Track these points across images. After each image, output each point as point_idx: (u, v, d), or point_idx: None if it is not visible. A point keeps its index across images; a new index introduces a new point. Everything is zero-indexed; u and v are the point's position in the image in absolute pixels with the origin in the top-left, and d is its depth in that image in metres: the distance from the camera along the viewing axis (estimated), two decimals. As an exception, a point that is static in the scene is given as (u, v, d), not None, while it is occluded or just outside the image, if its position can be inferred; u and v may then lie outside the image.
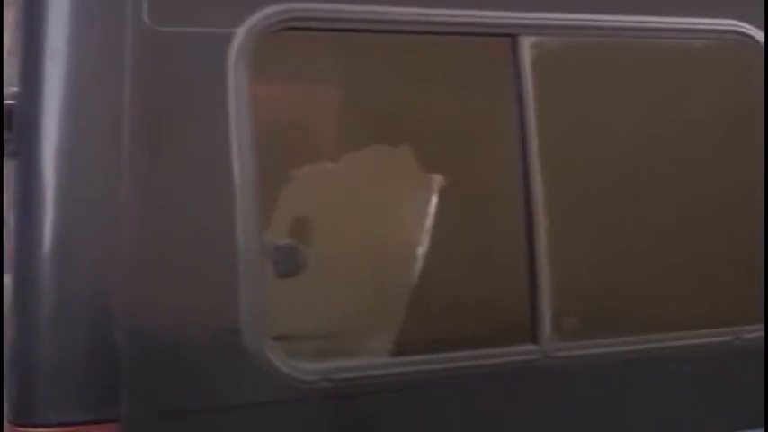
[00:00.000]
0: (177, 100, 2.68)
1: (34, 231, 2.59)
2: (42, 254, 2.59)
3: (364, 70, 2.92)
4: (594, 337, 3.10)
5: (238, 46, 2.72)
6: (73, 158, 2.61)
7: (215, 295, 2.70)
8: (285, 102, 2.84)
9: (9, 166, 2.66)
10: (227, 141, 2.70)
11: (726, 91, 3.38)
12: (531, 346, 3.02)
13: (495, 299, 3.04)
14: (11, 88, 2.63)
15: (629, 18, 3.20)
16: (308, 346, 2.81)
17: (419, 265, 2.95)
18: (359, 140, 2.90)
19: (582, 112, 3.13)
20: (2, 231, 3.27)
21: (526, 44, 3.04)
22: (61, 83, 2.61)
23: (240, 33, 2.73)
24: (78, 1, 2.63)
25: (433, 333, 2.96)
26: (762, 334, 3.31)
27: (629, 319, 3.16)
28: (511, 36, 3.04)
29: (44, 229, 2.59)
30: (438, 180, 2.97)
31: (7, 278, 2.69)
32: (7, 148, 2.62)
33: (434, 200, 2.97)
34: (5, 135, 2.62)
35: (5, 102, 2.61)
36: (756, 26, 3.38)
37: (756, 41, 3.37)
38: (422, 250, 2.96)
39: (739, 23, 3.36)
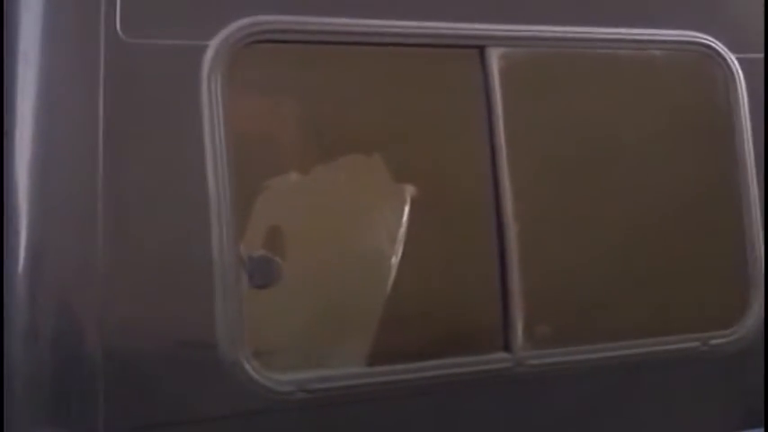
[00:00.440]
0: (151, 112, 2.68)
1: (6, 242, 2.57)
2: (14, 265, 2.57)
3: (336, 82, 2.93)
4: (567, 344, 3.13)
5: (211, 58, 2.73)
6: (45, 169, 2.60)
7: (190, 307, 2.69)
8: (258, 114, 2.85)
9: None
10: (201, 154, 2.71)
11: (688, 100, 3.43)
12: (504, 355, 3.04)
13: (467, 308, 3.06)
14: (-17, 100, 2.62)
15: (593, 30, 3.25)
16: (284, 356, 2.80)
17: (392, 274, 2.96)
18: (331, 151, 2.91)
19: (549, 121, 3.17)
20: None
21: (494, 55, 3.07)
22: (34, 93, 2.60)
23: (213, 46, 2.74)
24: (51, 11, 2.63)
25: (407, 343, 2.97)
26: (728, 340, 3.37)
27: (601, 327, 3.19)
28: (479, 47, 3.07)
29: (17, 240, 2.57)
30: (409, 190, 3.00)
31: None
32: (-21, 158, 2.61)
33: (406, 210, 2.99)
34: (-23, 146, 2.60)
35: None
36: (716, 37, 3.44)
37: (716, 52, 3.43)
38: (394, 260, 2.97)
39: (699, 35, 3.42)
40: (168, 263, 2.68)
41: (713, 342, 3.34)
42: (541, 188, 3.13)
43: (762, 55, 3.48)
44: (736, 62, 3.44)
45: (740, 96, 3.44)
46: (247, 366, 2.71)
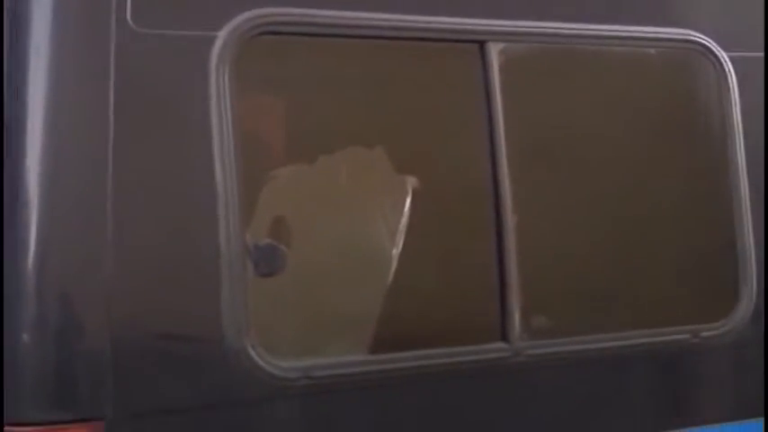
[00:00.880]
0: (160, 102, 2.71)
1: (19, 232, 2.60)
2: (27, 253, 2.60)
3: (340, 74, 2.98)
4: (562, 335, 3.18)
5: (220, 49, 2.77)
6: (57, 159, 2.63)
7: (197, 295, 2.73)
8: (265, 104, 2.89)
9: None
10: (209, 143, 2.74)
11: (681, 97, 3.52)
12: (502, 345, 3.09)
13: (465, 298, 3.11)
14: (-6, 88, 2.65)
15: (590, 26, 3.31)
16: (289, 344, 2.85)
17: (393, 264, 3.02)
18: (335, 142, 2.95)
19: (547, 115, 3.23)
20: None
21: (494, 50, 3.13)
22: (45, 84, 2.63)
23: (221, 37, 2.77)
24: (62, 3, 2.66)
25: (408, 331, 3.02)
26: (718, 332, 3.44)
27: (596, 319, 3.25)
28: (479, 42, 3.12)
29: (29, 230, 2.60)
30: (411, 181, 3.04)
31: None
32: (-7, 147, 2.64)
33: (407, 202, 3.04)
34: (-13, 135, 2.63)
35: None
36: (708, 35, 3.51)
37: (709, 50, 3.50)
38: (396, 250, 3.02)
39: (693, 32, 3.49)
40: (175, 251, 2.71)
41: (704, 334, 3.41)
42: (539, 181, 3.18)
43: (753, 53, 3.55)
44: (728, 60, 3.51)
45: (732, 94, 3.50)
46: (252, 353, 2.75)
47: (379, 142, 3.00)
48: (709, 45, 3.50)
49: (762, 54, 3.55)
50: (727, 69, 3.50)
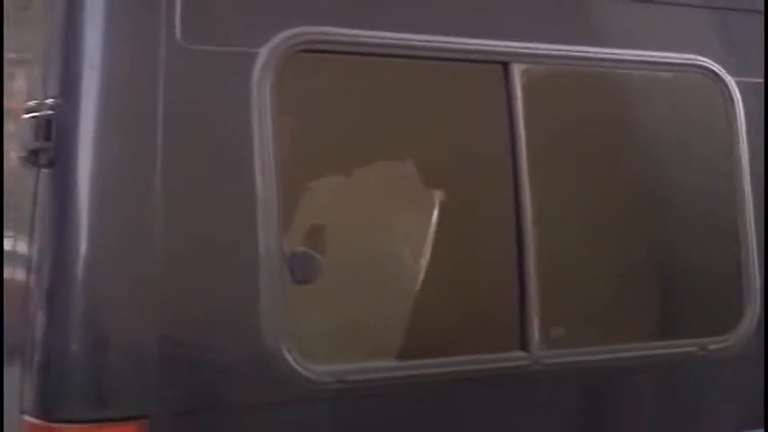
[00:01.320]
0: (205, 116, 2.83)
1: (70, 236, 2.71)
2: (77, 258, 2.71)
3: (372, 90, 3.11)
4: (578, 345, 3.32)
5: (261, 65, 2.89)
6: (108, 168, 2.75)
7: (238, 300, 2.85)
8: (302, 118, 3.00)
9: (41, 175, 2.78)
10: (250, 155, 2.86)
11: (690, 119, 3.66)
12: (522, 353, 3.22)
13: (488, 309, 3.24)
14: (49, 100, 2.76)
15: (605, 50, 3.45)
16: (323, 349, 2.96)
17: (421, 275, 3.14)
18: (368, 156, 3.09)
19: (565, 131, 3.37)
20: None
21: (517, 71, 3.26)
22: (98, 96, 2.75)
23: (263, 53, 2.90)
24: (115, 18, 2.78)
25: (435, 339, 3.14)
26: (723, 345, 3.58)
27: (610, 331, 3.38)
28: (503, 63, 3.26)
29: (80, 235, 2.71)
30: (438, 195, 3.18)
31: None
32: (45, 157, 2.75)
33: (434, 214, 3.17)
34: (42, 144, 2.74)
35: (45, 112, 2.74)
36: (716, 61, 3.66)
37: (716, 74, 3.65)
38: (424, 261, 3.15)
39: (701, 58, 3.64)
40: (218, 259, 2.83)
41: (711, 347, 3.55)
42: (559, 196, 3.32)
43: (757, 79, 3.71)
44: (734, 84, 3.66)
45: (738, 116, 3.66)
46: (289, 358, 2.87)
47: (409, 156, 3.14)
48: (716, 70, 3.65)
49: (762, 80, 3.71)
50: (733, 92, 3.66)
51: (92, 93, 2.75)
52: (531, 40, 3.30)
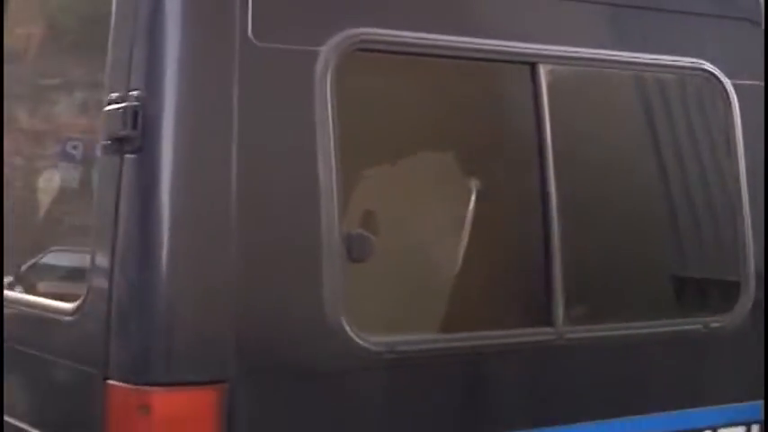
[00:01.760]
0: (274, 109, 3.10)
1: (154, 216, 2.97)
2: (161, 236, 2.97)
3: (417, 87, 3.41)
4: (598, 322, 3.63)
5: (322, 62, 3.17)
6: (190, 154, 3.01)
7: (303, 278, 3.12)
8: (357, 112, 3.27)
9: (126, 161, 3.03)
10: (313, 146, 3.13)
11: (692, 118, 4.00)
12: (548, 329, 3.53)
13: (520, 290, 3.56)
14: (134, 92, 3.01)
15: (621, 53, 3.77)
16: (376, 322, 3.24)
17: (461, 256, 3.45)
18: (415, 147, 3.39)
19: (584, 126, 3.69)
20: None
21: (543, 71, 3.57)
22: (180, 89, 3.01)
23: (324, 51, 3.18)
24: (193, 18, 3.04)
25: (473, 314, 3.44)
26: (723, 324, 3.91)
27: (625, 310, 3.71)
28: (531, 63, 3.57)
29: (164, 215, 2.98)
30: (475, 184, 3.48)
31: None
32: (132, 145, 3.00)
33: (472, 201, 3.47)
34: (129, 132, 2.99)
35: (132, 103, 3.00)
36: (715, 64, 4.00)
37: (715, 77, 3.99)
38: (463, 244, 3.45)
39: (701, 62, 3.97)
40: (286, 240, 3.10)
41: (712, 325, 3.88)
42: (581, 186, 3.63)
43: (755, 82, 4.06)
44: (732, 87, 4.00)
45: (735, 116, 3.99)
46: (348, 330, 3.14)
47: (450, 147, 3.44)
48: (715, 73, 3.99)
49: (762, 83, 4.06)
50: (731, 94, 3.99)
51: (174, 86, 3.01)
52: (556, 43, 3.62)
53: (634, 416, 3.68)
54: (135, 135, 2.99)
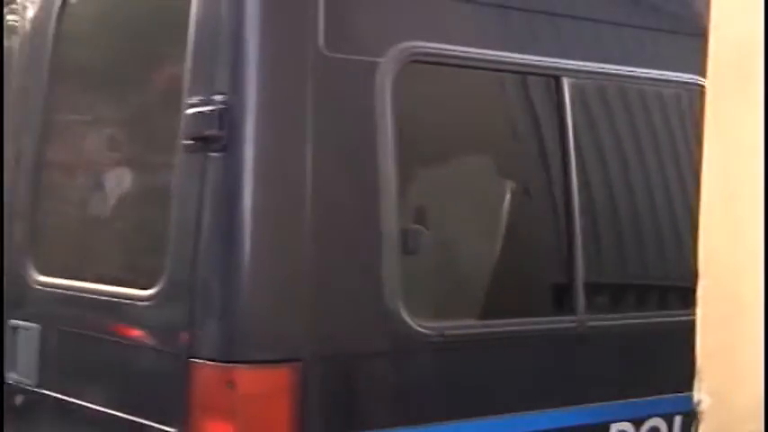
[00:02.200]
0: (341, 112, 3.42)
1: (238, 208, 3.27)
2: (245, 225, 3.26)
3: (462, 96, 3.75)
4: (614, 312, 4.01)
5: (382, 72, 3.49)
6: (269, 154, 3.32)
7: (367, 268, 3.44)
8: (411, 118, 3.60)
9: (210, 160, 3.32)
10: (374, 148, 3.45)
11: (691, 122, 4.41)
12: (571, 317, 3.88)
13: (547, 282, 3.91)
14: (218, 96, 3.30)
15: (635, 69, 4.13)
16: (428, 308, 3.57)
17: (499, 251, 3.79)
18: (459, 150, 3.73)
19: (602, 134, 4.06)
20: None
21: (566, 84, 3.93)
22: (260, 94, 3.31)
23: (383, 62, 3.50)
24: (272, 31, 3.35)
25: (508, 303, 3.79)
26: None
27: (637, 300, 4.09)
28: (555, 77, 3.92)
29: (246, 206, 3.27)
30: (510, 185, 3.82)
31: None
32: (217, 144, 3.29)
33: (507, 201, 3.82)
34: (216, 132, 3.28)
35: (217, 106, 3.28)
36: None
37: (709, 90, 4.40)
38: (500, 240, 3.79)
39: (697, 77, 4.37)
40: (351, 234, 3.42)
41: None
42: (600, 187, 4.00)
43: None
44: None
45: None
46: (404, 315, 3.46)
47: (489, 151, 3.79)
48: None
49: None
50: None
51: (255, 90, 3.31)
52: (576, 59, 3.98)
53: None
54: (221, 135, 3.28)
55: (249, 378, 3.24)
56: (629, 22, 4.19)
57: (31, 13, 4.28)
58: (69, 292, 3.85)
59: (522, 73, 3.87)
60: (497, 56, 3.78)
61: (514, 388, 3.73)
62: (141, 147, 3.86)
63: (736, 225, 2.83)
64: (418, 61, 3.59)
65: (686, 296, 4.23)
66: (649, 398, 4.01)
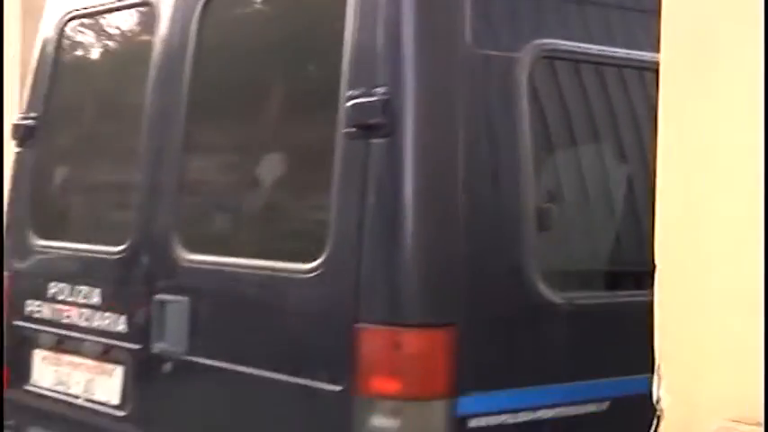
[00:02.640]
0: (486, 102, 3.81)
1: (401, 189, 3.65)
2: (407, 203, 3.65)
3: (583, 89, 4.13)
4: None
5: (520, 66, 3.88)
6: (427, 139, 3.71)
7: (508, 243, 3.84)
8: (543, 107, 3.99)
9: (373, 146, 3.71)
10: (515, 135, 3.85)
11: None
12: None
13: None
14: (380, 88, 3.69)
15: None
16: (561, 279, 3.96)
17: (615, 229, 4.19)
18: (585, 137, 4.13)
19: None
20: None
21: None
22: (418, 86, 3.70)
23: (521, 57, 3.89)
24: (426, 30, 3.74)
25: (631, 276, 4.16)
26: None
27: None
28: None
29: (408, 187, 3.66)
30: (628, 168, 4.21)
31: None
32: (381, 131, 3.67)
33: (626, 181, 4.21)
34: (380, 120, 3.66)
35: (380, 97, 3.66)
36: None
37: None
38: (623, 219, 4.19)
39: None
40: (496, 212, 3.82)
41: None
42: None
43: None
44: None
45: None
46: (540, 286, 3.86)
47: (604, 139, 4.19)
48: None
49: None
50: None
51: (413, 82, 3.70)
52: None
53: None
54: (384, 122, 3.66)
55: (414, 340, 3.63)
56: None
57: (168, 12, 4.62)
58: (224, 268, 4.21)
59: (641, 69, 4.24)
60: (616, 53, 4.17)
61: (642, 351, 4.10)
62: (293, 135, 4.22)
63: (693, 213, 2.84)
64: (549, 57, 3.99)
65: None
66: None
